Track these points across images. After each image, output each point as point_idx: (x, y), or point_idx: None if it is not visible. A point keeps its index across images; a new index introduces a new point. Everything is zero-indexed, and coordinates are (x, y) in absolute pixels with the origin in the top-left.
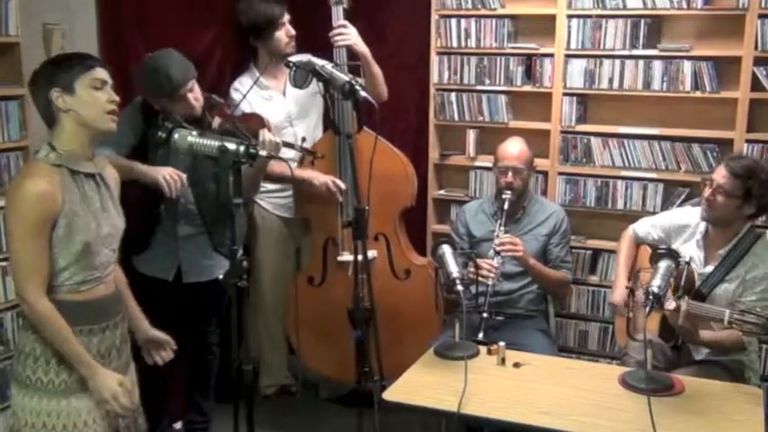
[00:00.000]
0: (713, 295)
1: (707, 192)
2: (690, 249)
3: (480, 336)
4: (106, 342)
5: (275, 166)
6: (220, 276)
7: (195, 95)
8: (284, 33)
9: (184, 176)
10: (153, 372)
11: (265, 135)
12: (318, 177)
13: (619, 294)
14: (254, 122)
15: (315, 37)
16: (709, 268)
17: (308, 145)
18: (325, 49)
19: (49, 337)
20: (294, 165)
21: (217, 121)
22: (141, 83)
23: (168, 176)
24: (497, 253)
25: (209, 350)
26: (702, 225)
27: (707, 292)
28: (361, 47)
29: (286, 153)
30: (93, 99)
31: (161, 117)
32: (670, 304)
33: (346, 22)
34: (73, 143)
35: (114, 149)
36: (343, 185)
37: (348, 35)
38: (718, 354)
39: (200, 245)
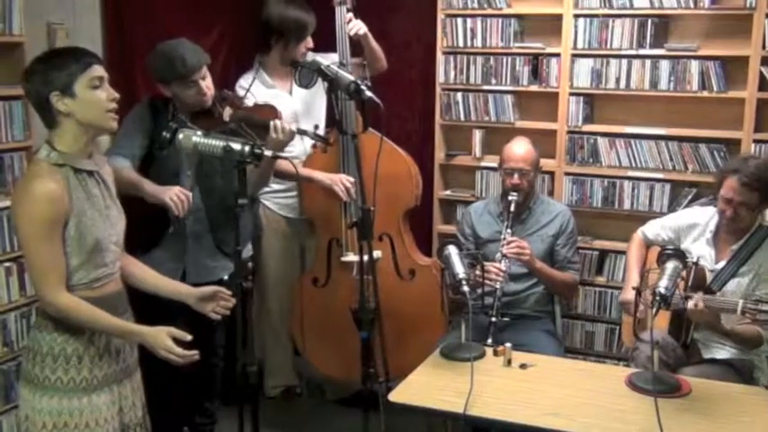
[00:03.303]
0: (724, 291)
1: (729, 212)
2: (700, 247)
3: (489, 341)
4: (118, 339)
5: (282, 164)
6: (225, 277)
7: (207, 84)
8: (305, 44)
9: (191, 195)
10: (159, 373)
11: (278, 123)
12: (329, 177)
13: (629, 292)
14: (267, 112)
15: (318, 37)
16: (721, 264)
17: (309, 142)
18: (328, 49)
19: (84, 323)
20: (299, 162)
21: (228, 112)
22: (155, 67)
23: (176, 197)
24: (505, 256)
25: (214, 352)
26: (713, 223)
27: (717, 288)
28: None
29: (291, 152)
30: (93, 99)
31: (171, 112)
32: (690, 303)
33: (351, 16)
34: (74, 143)
35: (129, 160)
36: (353, 181)
37: (360, 24)
38: (739, 347)
39: (205, 245)
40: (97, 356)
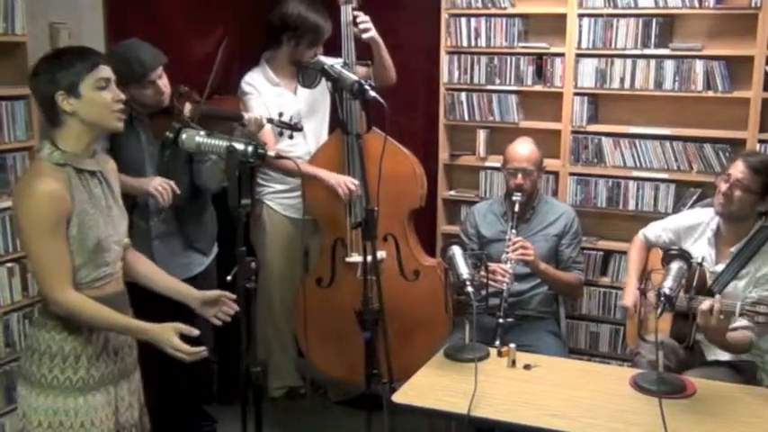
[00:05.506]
0: (724, 293)
1: (723, 187)
2: (701, 248)
3: (497, 343)
4: (119, 339)
5: (287, 162)
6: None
7: (164, 83)
8: (315, 49)
9: (173, 183)
10: (153, 377)
11: (248, 115)
12: (334, 177)
13: (630, 298)
14: (229, 105)
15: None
16: (721, 266)
17: (313, 142)
18: (332, 49)
19: (90, 320)
20: (303, 163)
21: (188, 108)
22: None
23: (159, 186)
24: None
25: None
26: (713, 223)
27: (718, 290)
28: (375, 34)
29: (294, 151)
30: (99, 100)
31: (128, 113)
32: (705, 305)
33: (361, 14)
34: (77, 143)
35: None
36: (357, 185)
37: (370, 26)
38: (732, 353)
39: (173, 244)
40: (95, 356)
